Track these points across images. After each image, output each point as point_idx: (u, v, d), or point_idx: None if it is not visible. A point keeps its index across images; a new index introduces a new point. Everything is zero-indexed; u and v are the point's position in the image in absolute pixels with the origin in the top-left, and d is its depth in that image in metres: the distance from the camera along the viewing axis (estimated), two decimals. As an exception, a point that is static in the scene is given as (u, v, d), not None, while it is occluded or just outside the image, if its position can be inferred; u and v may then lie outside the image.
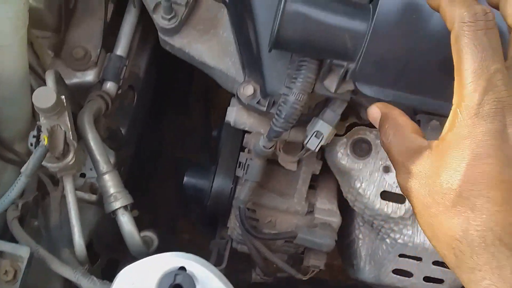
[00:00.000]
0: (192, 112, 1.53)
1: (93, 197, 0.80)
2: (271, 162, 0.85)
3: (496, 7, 0.43)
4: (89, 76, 0.81)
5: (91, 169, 0.90)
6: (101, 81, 0.82)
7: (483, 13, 0.39)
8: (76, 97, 0.78)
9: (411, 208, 0.43)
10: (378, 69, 0.55)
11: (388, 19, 0.51)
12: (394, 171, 0.44)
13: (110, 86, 0.81)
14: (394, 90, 0.57)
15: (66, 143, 0.57)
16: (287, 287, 1.23)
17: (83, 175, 0.88)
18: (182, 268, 0.46)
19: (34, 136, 0.53)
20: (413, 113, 0.74)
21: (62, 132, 0.56)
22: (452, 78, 0.42)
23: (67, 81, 0.79)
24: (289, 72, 0.63)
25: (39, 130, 0.54)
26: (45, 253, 0.55)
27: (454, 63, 0.41)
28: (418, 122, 0.73)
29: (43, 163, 0.57)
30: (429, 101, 0.58)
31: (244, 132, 0.90)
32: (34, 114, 0.76)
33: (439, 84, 0.56)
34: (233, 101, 0.78)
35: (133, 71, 0.96)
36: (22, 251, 0.50)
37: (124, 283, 0.47)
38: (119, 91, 0.85)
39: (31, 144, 0.53)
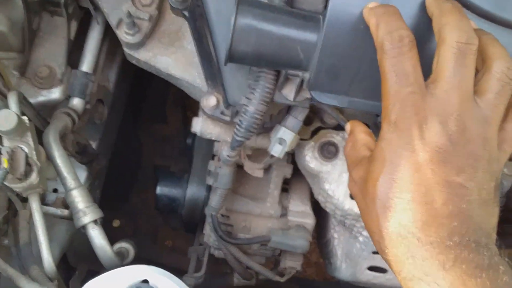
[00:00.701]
0: (169, 119, 1.53)
1: (65, 212, 0.80)
2: (242, 167, 0.87)
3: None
4: (55, 93, 0.81)
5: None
6: (67, 98, 0.83)
7: (400, 39, 0.43)
8: (43, 115, 0.79)
9: None
10: (331, 77, 0.56)
11: (337, 30, 0.52)
12: None
13: (76, 102, 0.82)
14: (348, 97, 0.58)
15: (28, 164, 0.58)
16: (273, 285, 1.24)
17: (55, 191, 0.89)
18: (145, 281, 0.47)
19: (-6, 159, 0.54)
20: (375, 115, 0.76)
21: (23, 154, 0.56)
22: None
23: (33, 100, 0.79)
24: (250, 82, 0.64)
25: (-1, 153, 0.54)
26: (12, 272, 0.56)
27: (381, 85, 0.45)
28: (379, 123, 0.75)
29: (7, 184, 0.58)
30: (380, 105, 0.59)
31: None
32: None
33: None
34: (194, 119, 0.79)
35: (103, 84, 0.97)
36: (-13, 275, 0.50)
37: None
38: (87, 106, 0.85)
39: (-8, 167, 0.54)
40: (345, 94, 0.58)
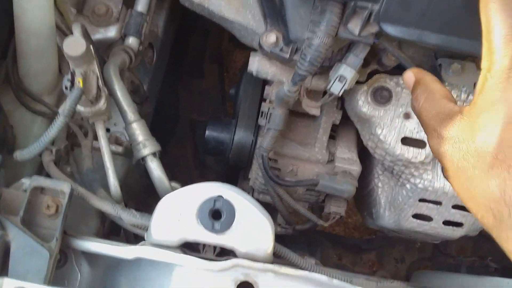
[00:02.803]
0: (206, 74, 1.54)
1: (120, 148, 0.83)
2: (292, 114, 0.87)
3: None
4: (111, 32, 0.82)
5: (115, 124, 0.93)
6: (123, 37, 0.84)
7: None
8: (99, 53, 0.80)
9: (431, 153, 0.44)
10: (402, 8, 0.56)
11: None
12: (415, 118, 0.45)
13: (132, 41, 0.83)
14: (418, 29, 0.58)
15: (98, 88, 0.59)
16: (305, 239, 1.26)
17: (107, 130, 0.91)
18: (220, 196, 0.48)
19: (68, 80, 0.55)
20: (434, 57, 0.75)
21: (95, 77, 0.58)
22: (477, 16, 0.43)
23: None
24: (312, 18, 0.64)
25: (73, 75, 0.56)
26: (84, 191, 0.58)
27: (483, 28, 0.42)
28: (439, 66, 0.74)
29: (78, 107, 0.60)
30: (453, 39, 0.58)
31: (263, 85, 0.92)
32: (60, 68, 0.78)
33: (463, 22, 0.57)
34: (253, 54, 0.79)
35: (152, 29, 0.97)
36: (64, 187, 0.53)
37: (165, 211, 0.50)
38: (140, 48, 0.86)
39: (66, 88, 0.55)
40: (415, 26, 0.57)
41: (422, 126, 0.47)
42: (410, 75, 0.50)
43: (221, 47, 1.57)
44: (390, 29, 0.58)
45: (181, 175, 1.44)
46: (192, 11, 0.80)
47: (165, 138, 1.50)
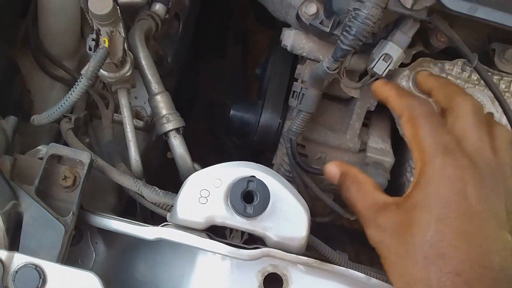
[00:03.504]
0: (229, 55, 1.48)
1: (140, 123, 0.78)
2: (324, 97, 0.82)
3: (428, 93, 0.56)
4: (139, -5, 0.77)
5: (136, 98, 0.88)
6: (149, 3, 0.78)
7: (425, 100, 0.51)
8: (124, 18, 0.75)
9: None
10: (466, -21, 0.50)
11: None
12: None
13: (159, 7, 0.77)
14: (480, 5, 0.52)
15: (124, 51, 0.54)
16: (322, 233, 1.22)
17: (128, 103, 0.87)
18: (253, 177, 0.43)
19: (93, 39, 0.50)
20: (487, 42, 0.68)
21: (121, 38, 0.53)
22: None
23: (116, 0, 0.75)
24: (360, -13, 0.58)
25: (98, 34, 0.51)
26: (103, 163, 0.53)
27: (409, 138, 0.49)
28: (493, 51, 0.67)
29: (101, 72, 0.55)
30: (514, 18, 0.52)
31: (293, 65, 0.86)
32: (82, 32, 0.73)
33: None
34: (287, 29, 0.74)
35: (179, -1, 0.92)
36: (83, 157, 0.48)
37: (193, 189, 0.45)
38: (167, 16, 0.81)
39: (90, 48, 0.51)
40: (476, 1, 0.51)
41: (357, 216, 0.50)
42: (333, 168, 0.55)
43: (245, 27, 1.51)
44: (450, 3, 0.52)
45: (196, 156, 1.39)
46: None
47: (183, 116, 1.46)
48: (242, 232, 0.48)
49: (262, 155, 1.06)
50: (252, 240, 0.48)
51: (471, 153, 0.45)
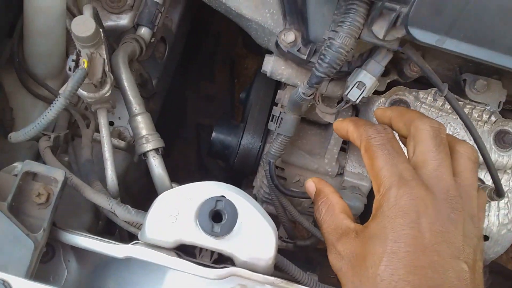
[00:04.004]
0: (216, 78, 1.51)
1: (122, 143, 0.79)
2: (303, 121, 0.83)
3: (389, 125, 0.53)
4: (124, 20, 0.80)
5: (119, 118, 0.90)
6: (135, 26, 0.81)
7: (383, 128, 0.49)
8: (109, 40, 0.77)
9: None
10: (434, 12, 0.52)
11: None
12: None
13: (144, 31, 0.80)
14: (448, 37, 0.54)
15: (104, 73, 0.56)
16: (304, 256, 1.22)
17: (111, 123, 0.88)
18: (223, 197, 0.44)
19: (73, 60, 0.52)
20: (458, 72, 0.71)
21: (101, 60, 0.54)
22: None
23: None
24: (335, 17, 0.61)
25: (78, 55, 0.52)
26: (78, 181, 0.54)
27: (367, 168, 0.48)
28: (463, 81, 0.70)
29: (81, 92, 0.56)
30: (484, 51, 0.55)
31: (275, 90, 0.88)
32: (67, 52, 0.75)
33: (497, 33, 0.53)
34: (268, 55, 0.76)
35: (166, 23, 0.94)
36: (57, 174, 0.49)
37: (162, 208, 0.46)
38: (152, 40, 0.83)
39: (70, 69, 0.52)
40: (445, 33, 0.54)
41: (323, 237, 0.49)
42: (311, 184, 0.54)
43: (233, 52, 1.54)
44: (418, 35, 0.54)
45: (182, 178, 1.40)
46: (206, 11, 0.77)
47: (169, 141, 1.47)
48: (212, 252, 0.49)
49: (245, 178, 1.07)
50: (222, 260, 0.49)
51: (429, 180, 0.44)
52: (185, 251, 0.48)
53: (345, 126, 0.54)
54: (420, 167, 0.46)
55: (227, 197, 0.44)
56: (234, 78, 1.54)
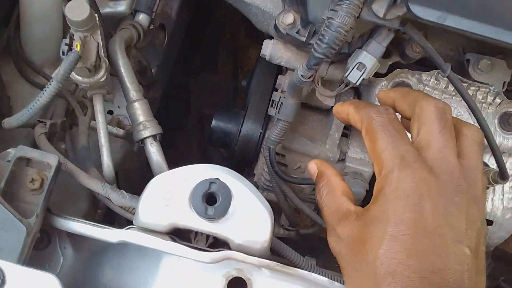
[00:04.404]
0: (220, 69, 1.50)
1: (121, 131, 0.78)
2: (304, 106, 0.82)
3: (392, 107, 0.51)
4: (122, 6, 0.79)
5: (118, 107, 0.89)
6: (133, 13, 0.80)
7: (385, 109, 0.48)
8: (107, 28, 0.76)
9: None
10: (434, -13, 0.51)
11: None
12: None
13: (142, 17, 0.79)
14: (450, 13, 0.52)
15: (98, 57, 0.55)
16: (307, 245, 1.21)
17: (110, 112, 0.87)
18: (217, 179, 0.43)
19: (66, 44, 0.51)
20: (462, 52, 0.69)
21: (95, 43, 0.53)
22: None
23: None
24: (334, -3, 0.59)
25: (71, 38, 0.51)
26: (73, 167, 0.54)
27: (368, 150, 0.47)
28: (467, 62, 0.68)
29: (75, 76, 0.55)
30: (487, 28, 0.53)
31: (276, 77, 0.87)
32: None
33: (502, 8, 0.51)
34: (267, 41, 0.75)
35: (166, 10, 0.93)
36: (50, 159, 0.48)
37: (155, 192, 0.45)
38: (151, 26, 0.82)
39: (63, 53, 0.51)
40: (447, 10, 0.52)
41: (323, 220, 0.48)
42: (313, 166, 0.53)
43: (236, 42, 1.53)
44: (419, 11, 0.52)
45: (187, 169, 1.40)
46: (208, 2, 0.76)
47: (173, 132, 1.47)
48: (208, 236, 0.48)
49: (247, 166, 1.06)
50: (217, 245, 0.48)
51: (433, 162, 0.43)
52: (180, 235, 0.48)
53: (345, 109, 0.53)
54: (424, 148, 0.44)
55: (221, 180, 0.43)
56: (237, 68, 1.52)
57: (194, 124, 1.45)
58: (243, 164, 1.05)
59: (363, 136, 0.48)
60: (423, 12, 0.52)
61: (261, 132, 0.85)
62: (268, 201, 0.91)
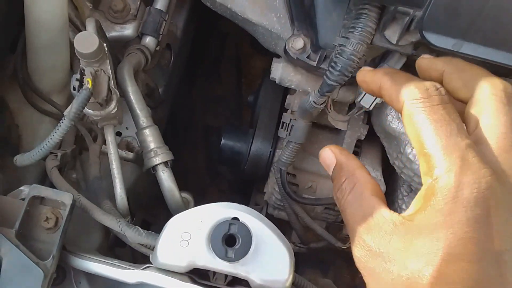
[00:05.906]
0: (223, 79, 1.49)
1: (130, 155, 0.78)
2: (314, 125, 0.81)
3: (439, 82, 0.39)
4: (128, 29, 0.78)
5: (127, 128, 0.88)
6: (140, 36, 0.79)
7: (435, 88, 0.36)
8: (114, 51, 0.75)
9: None
10: (450, 15, 0.50)
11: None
12: None
13: (149, 40, 0.78)
14: (465, 41, 0.52)
15: (109, 90, 0.54)
16: (318, 256, 1.20)
17: (119, 134, 0.87)
18: (235, 219, 0.43)
19: (77, 80, 0.51)
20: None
21: (106, 77, 0.53)
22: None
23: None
24: (345, 22, 0.58)
25: (82, 73, 0.51)
26: (87, 202, 0.53)
27: (414, 144, 0.36)
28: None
29: (86, 110, 0.55)
30: (503, 54, 0.52)
31: (284, 94, 0.86)
32: (72, 66, 0.73)
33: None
34: (277, 60, 0.74)
35: (171, 29, 0.93)
36: (65, 198, 0.48)
37: (173, 232, 0.44)
38: (158, 48, 0.81)
39: (74, 88, 0.51)
40: (462, 37, 0.51)
41: (345, 224, 0.38)
42: (329, 155, 0.40)
43: (240, 52, 1.52)
44: (433, 39, 0.52)
45: (192, 181, 1.39)
46: (212, 12, 0.75)
47: (178, 144, 1.46)
48: (226, 274, 0.47)
49: (256, 182, 1.06)
50: (237, 281, 0.48)
51: (499, 165, 0.33)
52: (199, 272, 0.47)
53: (377, 80, 0.41)
54: (487, 146, 0.34)
55: (240, 219, 0.43)
56: (241, 78, 1.52)
57: (199, 135, 1.45)
58: (252, 179, 1.04)
59: (403, 120, 0.37)
60: (438, 40, 0.52)
61: (270, 151, 0.85)
62: (279, 219, 0.91)
